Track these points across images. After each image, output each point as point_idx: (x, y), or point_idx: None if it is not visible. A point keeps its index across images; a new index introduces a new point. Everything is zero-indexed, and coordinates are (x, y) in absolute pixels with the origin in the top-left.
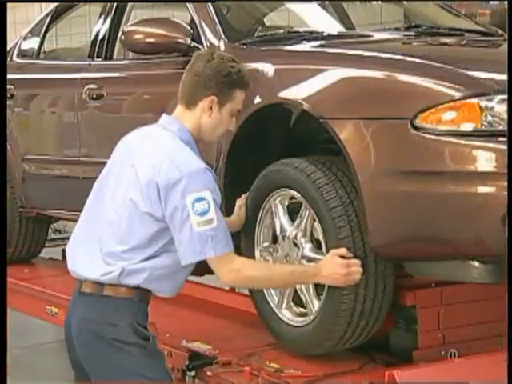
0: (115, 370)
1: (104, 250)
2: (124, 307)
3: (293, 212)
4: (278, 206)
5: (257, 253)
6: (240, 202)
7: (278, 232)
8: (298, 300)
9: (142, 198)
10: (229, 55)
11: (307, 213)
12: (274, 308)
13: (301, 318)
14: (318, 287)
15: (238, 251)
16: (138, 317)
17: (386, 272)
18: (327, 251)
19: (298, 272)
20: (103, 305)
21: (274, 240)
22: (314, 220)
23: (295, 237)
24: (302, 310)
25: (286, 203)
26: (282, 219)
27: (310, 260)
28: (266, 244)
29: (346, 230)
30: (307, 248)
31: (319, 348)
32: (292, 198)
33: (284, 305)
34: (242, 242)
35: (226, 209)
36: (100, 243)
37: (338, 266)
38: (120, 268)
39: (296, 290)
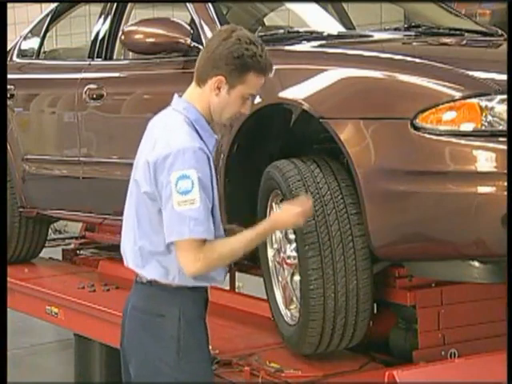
0: (151, 365)
1: (133, 241)
2: (172, 298)
3: None
4: (274, 206)
5: (269, 252)
6: None
7: (276, 238)
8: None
9: (141, 177)
10: (250, 36)
11: None
12: (285, 317)
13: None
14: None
15: None
16: (188, 308)
17: (358, 267)
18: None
19: (258, 234)
20: (152, 294)
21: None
22: None
23: (285, 233)
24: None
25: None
26: None
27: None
28: (276, 245)
29: (310, 224)
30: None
31: (307, 346)
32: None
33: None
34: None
35: (226, 209)
36: (131, 236)
37: (293, 215)
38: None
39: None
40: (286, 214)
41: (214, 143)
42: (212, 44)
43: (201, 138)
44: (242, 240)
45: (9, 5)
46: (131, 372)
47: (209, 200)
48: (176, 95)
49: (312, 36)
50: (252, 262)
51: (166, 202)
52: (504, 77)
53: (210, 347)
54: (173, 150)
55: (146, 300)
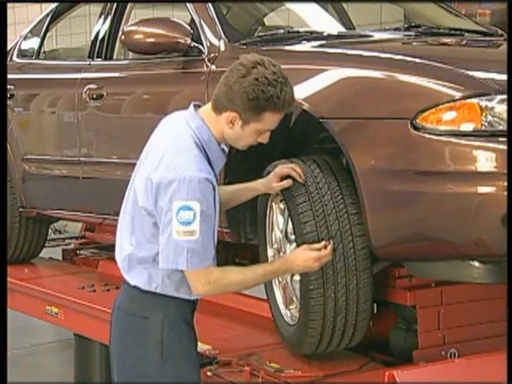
0: (133, 367)
1: (124, 245)
2: (157, 301)
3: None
4: (274, 206)
5: (269, 252)
6: (281, 172)
7: (276, 238)
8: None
9: (141, 190)
10: (270, 74)
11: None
12: (285, 317)
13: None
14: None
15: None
16: (172, 311)
17: (358, 267)
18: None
19: (270, 272)
20: (137, 296)
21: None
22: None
23: (286, 233)
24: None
25: (280, 204)
26: (278, 218)
27: None
28: (276, 245)
29: (310, 225)
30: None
31: (307, 346)
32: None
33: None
34: (259, 242)
35: (226, 210)
36: (121, 238)
37: (309, 260)
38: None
39: None
40: (302, 257)
41: (222, 165)
42: (230, 78)
43: (209, 161)
44: (253, 276)
45: (9, 5)
46: (115, 371)
47: (210, 230)
48: (192, 106)
49: (312, 36)
50: (252, 262)
51: (165, 227)
52: (504, 77)
53: (210, 347)
54: (178, 176)
55: (131, 301)
